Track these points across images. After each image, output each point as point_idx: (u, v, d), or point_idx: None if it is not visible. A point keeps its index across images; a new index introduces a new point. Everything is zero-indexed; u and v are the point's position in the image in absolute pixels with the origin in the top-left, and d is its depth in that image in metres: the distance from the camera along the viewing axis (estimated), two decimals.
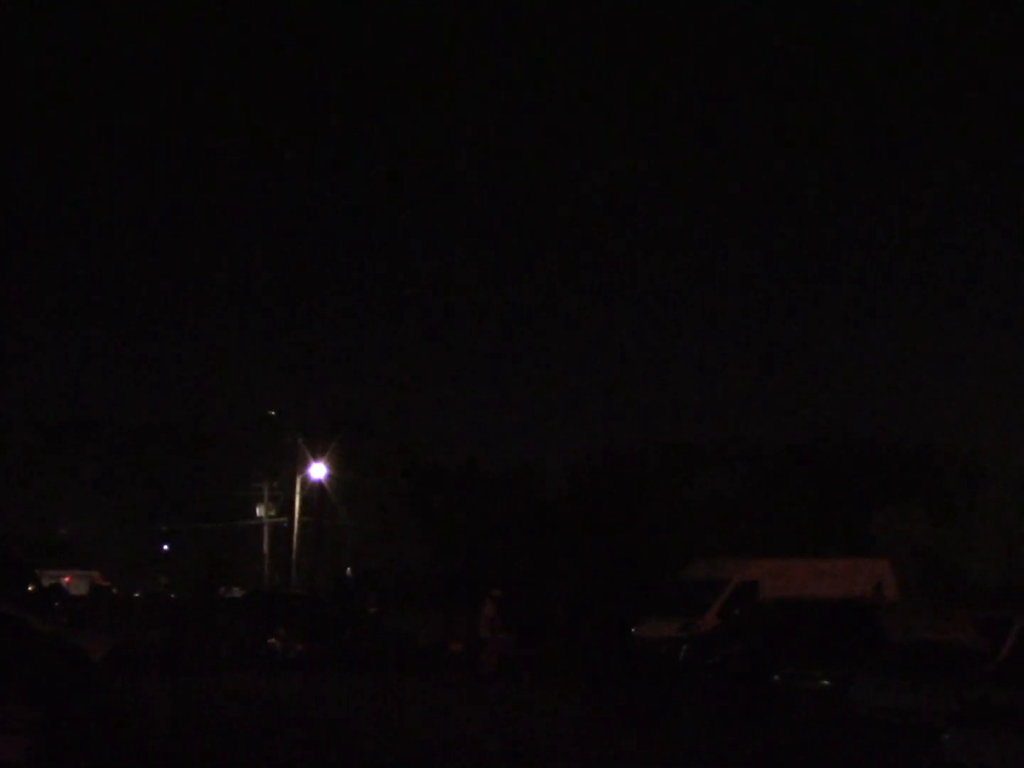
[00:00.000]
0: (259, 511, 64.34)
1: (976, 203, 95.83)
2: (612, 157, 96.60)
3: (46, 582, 43.33)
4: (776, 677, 20.63)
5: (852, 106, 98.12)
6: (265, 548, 62.59)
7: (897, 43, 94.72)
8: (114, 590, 55.12)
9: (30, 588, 37.47)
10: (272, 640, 29.27)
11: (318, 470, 52.08)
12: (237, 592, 50.43)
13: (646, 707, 21.41)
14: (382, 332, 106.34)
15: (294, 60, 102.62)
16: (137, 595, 54.89)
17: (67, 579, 49.74)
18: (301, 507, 53.62)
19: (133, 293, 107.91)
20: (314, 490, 53.41)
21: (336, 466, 53.92)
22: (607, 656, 29.59)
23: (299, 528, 53.24)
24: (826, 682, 19.82)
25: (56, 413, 76.57)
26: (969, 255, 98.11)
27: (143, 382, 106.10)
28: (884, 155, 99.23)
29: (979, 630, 20.75)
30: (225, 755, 14.67)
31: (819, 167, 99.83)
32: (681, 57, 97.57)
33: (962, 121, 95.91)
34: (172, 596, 56.25)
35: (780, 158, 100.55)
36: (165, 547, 75.42)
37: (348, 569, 59.11)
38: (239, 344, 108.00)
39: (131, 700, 19.84)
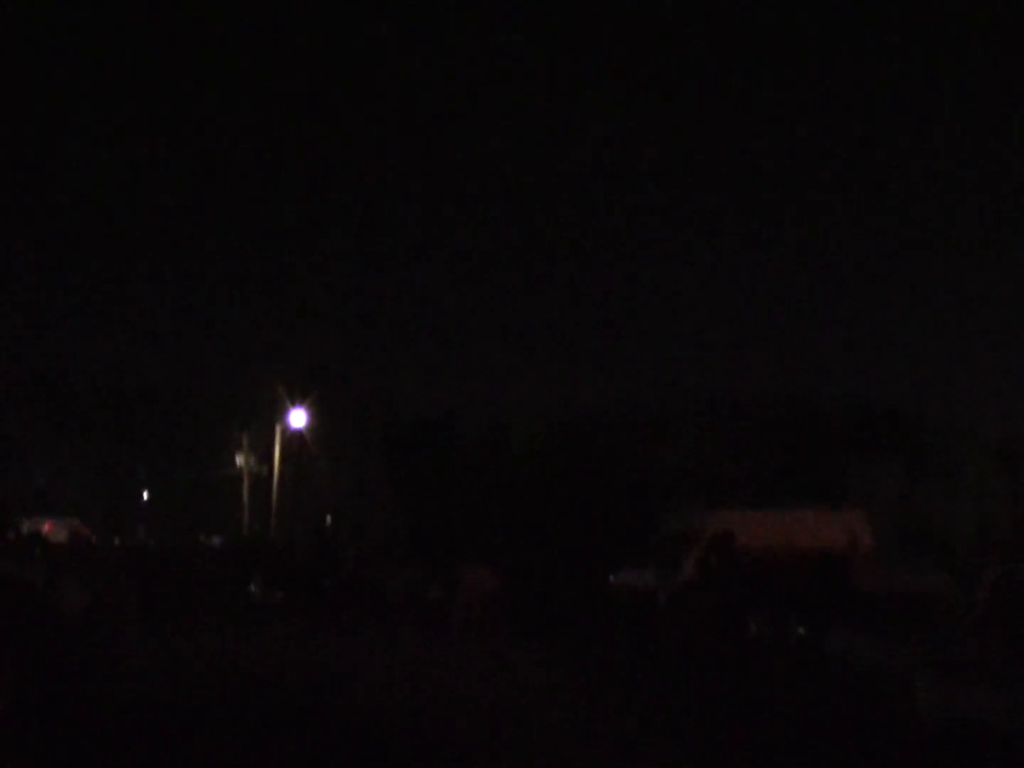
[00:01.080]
0: (238, 460, 64.24)
1: (950, 158, 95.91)
2: (577, 112, 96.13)
3: (26, 530, 43.31)
4: (752, 627, 20.85)
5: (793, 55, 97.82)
6: (244, 497, 62.57)
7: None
8: (93, 539, 55.14)
9: (10, 536, 37.44)
10: (251, 588, 29.41)
11: (298, 418, 52.06)
12: (216, 541, 50.54)
13: (625, 655, 21.63)
14: (364, 283, 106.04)
15: None
16: (116, 543, 54.91)
17: (47, 527, 49.65)
18: (280, 456, 53.61)
19: (110, 244, 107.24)
20: (294, 440, 53.41)
21: (316, 416, 53.91)
22: (586, 606, 29.80)
23: (278, 477, 53.26)
24: (801, 631, 20.05)
25: (35, 364, 76.22)
26: (947, 213, 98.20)
27: (122, 333, 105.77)
28: (856, 114, 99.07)
29: (952, 582, 21.00)
30: (203, 702, 14.78)
31: (786, 124, 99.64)
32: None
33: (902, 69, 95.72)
34: (151, 544, 56.33)
35: (739, 120, 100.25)
36: (144, 496, 75.42)
37: (327, 518, 59.26)
38: (219, 294, 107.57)
39: (110, 648, 19.98)
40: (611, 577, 28.67)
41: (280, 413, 52.56)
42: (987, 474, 44.64)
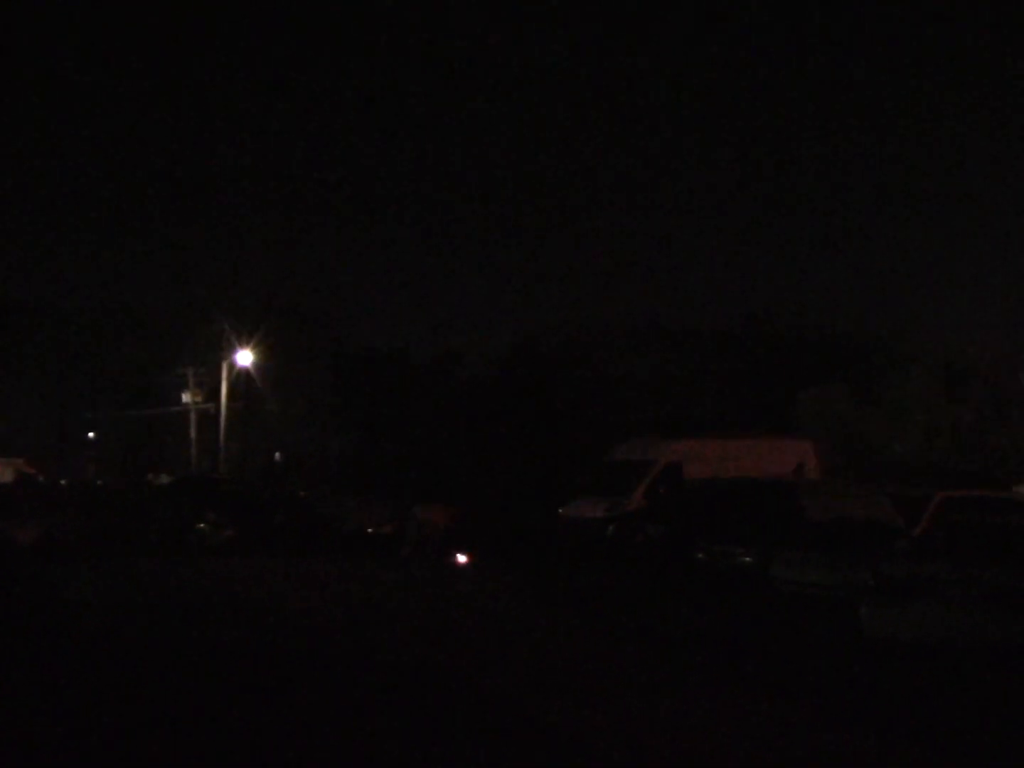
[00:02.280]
0: (185, 397, 63.81)
1: (895, 84, 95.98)
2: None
3: None
4: (700, 555, 21.03)
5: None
6: (192, 434, 62.24)
7: None
8: (40, 477, 54.82)
9: None
10: (201, 525, 29.31)
11: (244, 356, 51.76)
12: (165, 479, 50.32)
13: (575, 585, 21.82)
14: (311, 216, 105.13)
15: None
16: (64, 482, 54.58)
17: None
18: (228, 393, 53.33)
19: (55, 174, 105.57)
20: (241, 376, 53.14)
21: (264, 352, 53.59)
22: (538, 537, 29.95)
23: (226, 414, 53.01)
24: (748, 559, 20.23)
25: None
26: (890, 140, 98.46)
27: (66, 266, 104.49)
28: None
29: (895, 507, 21.26)
30: (155, 638, 14.78)
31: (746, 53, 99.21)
32: None
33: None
34: (99, 483, 56.05)
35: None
36: (91, 434, 74.89)
37: (277, 454, 59.14)
38: (164, 228, 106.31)
39: (60, 585, 19.92)
40: (560, 510, 28.78)
41: (227, 350, 52.24)
42: (933, 400, 45.10)
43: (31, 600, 18.35)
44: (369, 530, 31.62)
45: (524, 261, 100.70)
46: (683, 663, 13.48)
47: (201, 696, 11.15)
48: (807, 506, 21.42)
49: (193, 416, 62.23)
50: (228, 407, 53.11)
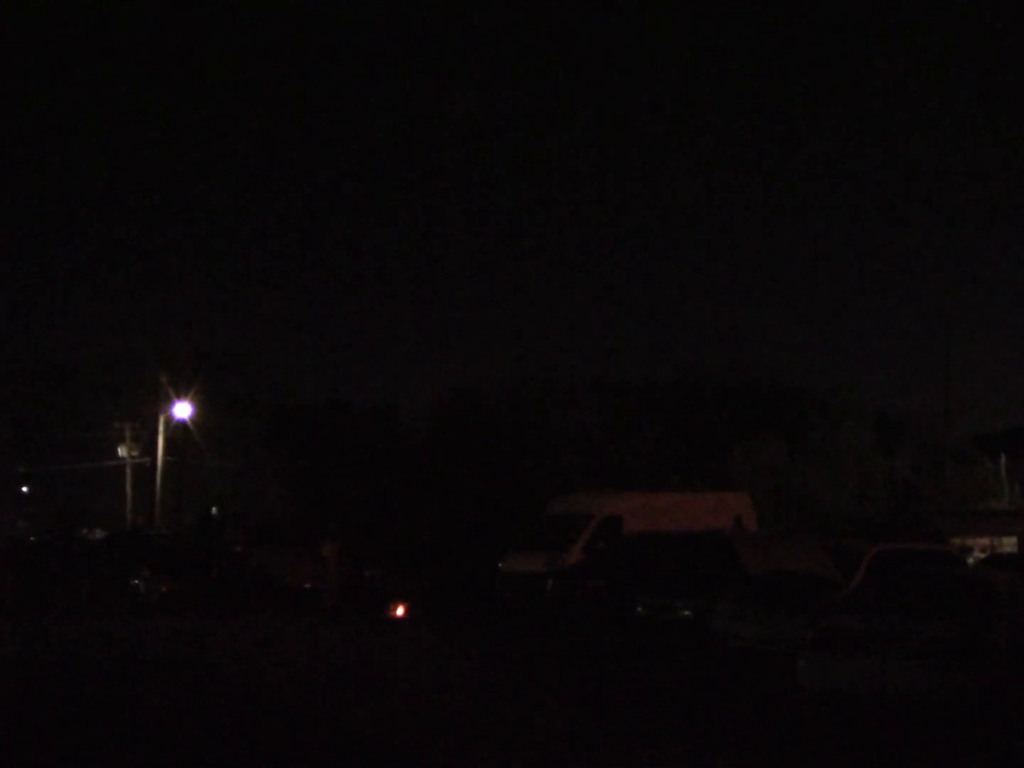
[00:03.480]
0: (121, 451, 63.04)
1: (834, 136, 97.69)
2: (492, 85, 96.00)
3: None
4: (639, 609, 21.06)
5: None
6: (128, 489, 61.48)
7: None
8: None
9: None
10: (135, 581, 28.90)
11: (182, 409, 51.32)
12: (100, 534, 49.57)
13: (513, 641, 21.72)
14: (246, 267, 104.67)
15: None
16: None
17: None
18: (165, 447, 52.78)
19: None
20: (178, 429, 52.64)
21: (200, 404, 53.15)
22: (475, 591, 29.86)
23: (162, 468, 52.44)
24: (687, 612, 20.31)
25: None
26: (827, 193, 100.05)
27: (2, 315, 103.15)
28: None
29: (832, 560, 21.42)
30: (82, 697, 14.45)
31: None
32: None
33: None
34: (32, 539, 55.10)
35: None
36: (24, 489, 73.71)
37: (213, 508, 58.49)
38: (99, 279, 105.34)
39: None
40: (499, 564, 28.73)
41: (163, 403, 51.74)
42: (867, 452, 45.54)
43: None
44: (307, 585, 31.39)
45: (463, 314, 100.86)
46: (618, 717, 13.44)
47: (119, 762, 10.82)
48: (744, 559, 21.56)
49: (128, 470, 61.47)
50: (164, 461, 52.56)
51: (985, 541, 35.18)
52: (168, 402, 51.53)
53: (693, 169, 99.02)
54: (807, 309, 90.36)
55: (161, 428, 52.46)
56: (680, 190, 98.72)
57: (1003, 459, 43.81)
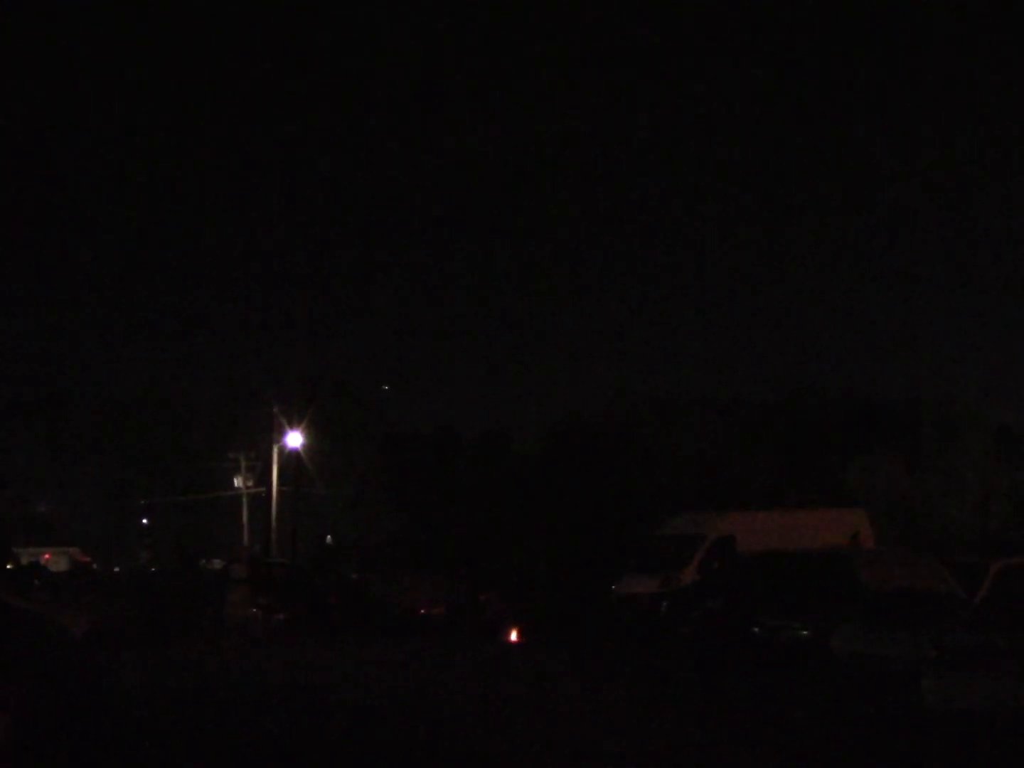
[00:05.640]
0: (237, 482, 64.18)
1: (944, 139, 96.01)
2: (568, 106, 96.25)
3: (25, 560, 43.21)
4: (756, 629, 20.76)
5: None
6: (244, 519, 62.52)
7: None
8: (94, 566, 55.09)
9: (9, 566, 37.36)
10: (254, 610, 29.26)
11: (294, 439, 51.97)
12: (218, 564, 50.39)
13: (628, 663, 21.56)
14: (357, 296, 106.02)
15: None
16: (117, 570, 54.77)
17: (46, 556, 49.60)
18: (279, 476, 53.50)
19: (105, 265, 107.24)
20: (291, 459, 53.31)
21: (312, 434, 53.80)
22: (588, 613, 29.75)
23: (277, 498, 53.14)
24: (805, 632, 19.96)
25: (32, 388, 76.27)
26: (938, 202, 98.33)
27: (118, 356, 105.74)
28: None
29: (955, 576, 20.95)
30: (211, 727, 14.67)
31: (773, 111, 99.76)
32: None
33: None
34: (153, 570, 56.20)
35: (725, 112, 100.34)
36: (144, 521, 75.26)
37: (328, 537, 59.14)
38: (213, 314, 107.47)
39: (113, 674, 19.88)
40: (613, 586, 28.59)
41: (277, 433, 52.47)
42: (987, 465, 44.57)
43: (81, 690, 18.28)
44: (422, 611, 31.51)
45: (569, 337, 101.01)
46: (741, 740, 13.24)
47: None
48: (864, 577, 21.16)
49: (244, 500, 62.53)
50: (279, 491, 53.27)
51: None
52: (281, 432, 52.23)
53: (802, 186, 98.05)
54: (923, 322, 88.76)
55: (275, 458, 53.18)
56: (789, 209, 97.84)
57: None
